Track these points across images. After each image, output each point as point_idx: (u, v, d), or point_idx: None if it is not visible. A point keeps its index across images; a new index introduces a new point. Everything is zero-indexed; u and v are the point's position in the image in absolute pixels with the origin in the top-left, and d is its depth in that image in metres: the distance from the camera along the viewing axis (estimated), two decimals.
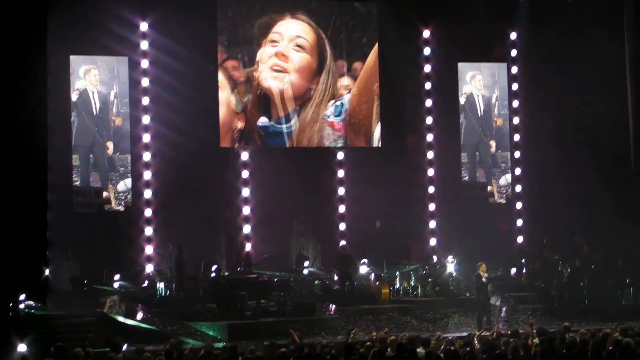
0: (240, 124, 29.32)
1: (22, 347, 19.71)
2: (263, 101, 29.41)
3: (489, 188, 31.62)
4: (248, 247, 28.57)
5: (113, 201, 28.30)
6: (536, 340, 17.67)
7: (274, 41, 29.59)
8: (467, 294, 26.93)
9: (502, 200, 31.78)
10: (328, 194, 30.70)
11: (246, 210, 29.33)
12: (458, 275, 28.04)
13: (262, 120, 29.40)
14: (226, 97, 29.20)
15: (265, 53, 29.50)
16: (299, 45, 29.83)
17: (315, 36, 30.01)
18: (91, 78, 28.20)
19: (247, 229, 29.21)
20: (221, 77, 29.21)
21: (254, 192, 29.48)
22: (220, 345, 20.73)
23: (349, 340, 18.44)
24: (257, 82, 29.31)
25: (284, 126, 29.60)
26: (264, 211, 29.66)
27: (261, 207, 29.59)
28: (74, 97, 28.04)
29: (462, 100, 31.56)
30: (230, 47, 29.46)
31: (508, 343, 16.72)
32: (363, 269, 28.20)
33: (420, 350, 16.17)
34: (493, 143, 31.81)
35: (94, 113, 28.24)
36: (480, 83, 31.69)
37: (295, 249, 30.24)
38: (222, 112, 29.15)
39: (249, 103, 29.30)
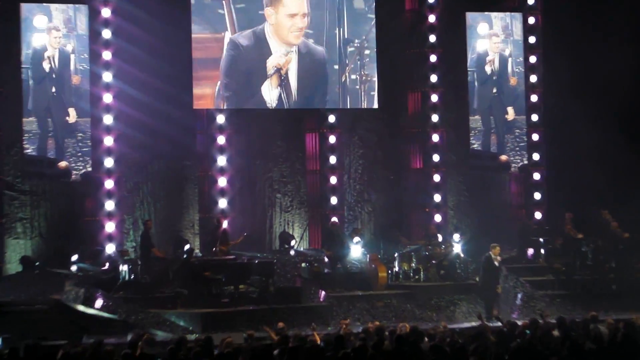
0: None
1: None
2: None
3: (503, 157, 31.38)
4: (225, 223, 28.39)
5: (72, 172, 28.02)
6: (556, 332, 17.51)
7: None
8: (477, 278, 26.75)
9: (517, 171, 31.62)
10: (317, 162, 30.44)
11: (222, 181, 29.10)
12: (466, 256, 27.88)
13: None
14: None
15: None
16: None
17: None
18: (51, 40, 27.77)
19: (223, 203, 29.02)
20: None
21: (232, 161, 29.28)
22: (193, 337, 20.54)
23: (341, 332, 18.26)
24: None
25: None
26: (243, 182, 29.71)
27: (240, 178, 29.52)
28: (27, 53, 27.64)
29: (472, 57, 31.28)
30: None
31: (524, 335, 16.57)
32: (356, 250, 27.96)
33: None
34: (511, 110, 31.47)
35: (53, 76, 27.85)
36: (496, 46, 31.36)
37: (279, 226, 30.16)
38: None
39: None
